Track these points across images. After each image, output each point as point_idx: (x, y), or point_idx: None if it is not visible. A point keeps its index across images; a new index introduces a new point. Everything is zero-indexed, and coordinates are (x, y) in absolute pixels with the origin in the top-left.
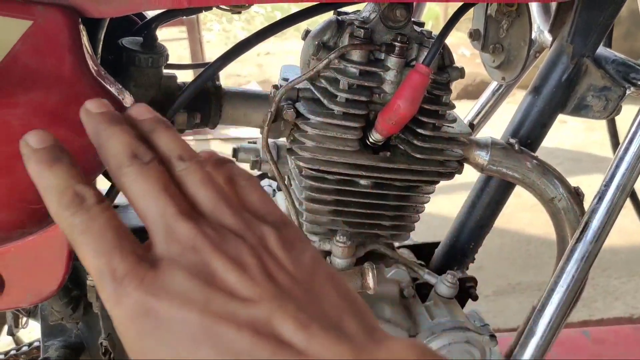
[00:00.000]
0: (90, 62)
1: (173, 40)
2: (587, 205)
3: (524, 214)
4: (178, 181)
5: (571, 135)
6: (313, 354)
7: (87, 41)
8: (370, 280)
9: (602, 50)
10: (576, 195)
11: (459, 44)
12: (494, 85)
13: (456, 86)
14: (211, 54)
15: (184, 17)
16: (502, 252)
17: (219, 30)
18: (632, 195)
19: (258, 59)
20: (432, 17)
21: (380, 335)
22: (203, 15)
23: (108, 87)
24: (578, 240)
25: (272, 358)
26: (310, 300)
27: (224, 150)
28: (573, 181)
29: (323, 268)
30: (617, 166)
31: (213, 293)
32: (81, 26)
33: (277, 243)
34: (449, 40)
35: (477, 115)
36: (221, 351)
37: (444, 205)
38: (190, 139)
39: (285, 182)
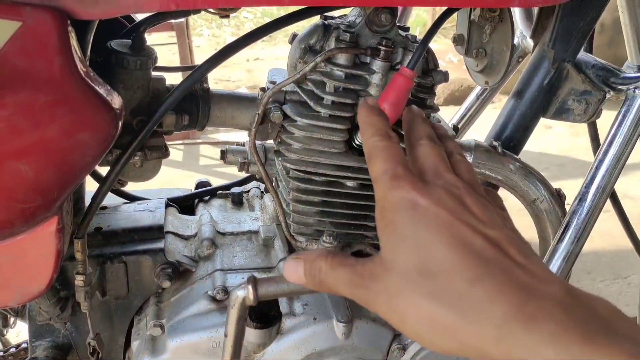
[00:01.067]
0: (78, 64)
1: (162, 45)
2: (568, 208)
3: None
4: (452, 164)
5: (557, 141)
6: (530, 270)
7: (76, 43)
8: None
9: (582, 55)
10: (558, 197)
11: (447, 50)
12: (478, 89)
13: (443, 91)
14: (200, 59)
15: (173, 20)
16: None
17: (208, 36)
18: (614, 197)
19: (248, 64)
20: (420, 23)
21: None
22: (193, 20)
23: (97, 88)
24: (559, 240)
25: (496, 258)
26: (529, 251)
27: (213, 154)
28: (559, 185)
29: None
30: (597, 168)
31: (462, 209)
32: (70, 28)
33: (511, 223)
34: (437, 47)
35: (461, 118)
36: (457, 240)
37: None
38: (179, 143)
39: (273, 183)
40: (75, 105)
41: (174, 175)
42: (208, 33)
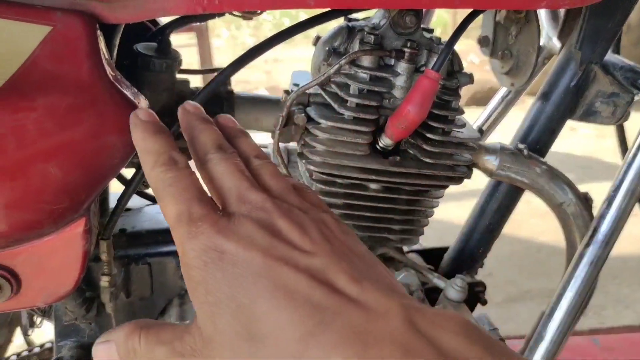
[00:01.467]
0: (107, 67)
1: (182, 47)
2: (596, 211)
3: (534, 220)
4: (253, 173)
5: (582, 143)
6: (365, 303)
7: (104, 46)
8: None
9: (610, 56)
10: (585, 200)
11: (468, 50)
12: (502, 91)
13: (465, 93)
14: (220, 60)
15: (196, 23)
16: (512, 259)
17: (227, 37)
18: None
19: (266, 66)
20: (440, 24)
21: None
22: (212, 22)
23: (124, 91)
24: (587, 245)
25: (326, 298)
26: (362, 265)
27: None
28: (584, 188)
29: (371, 254)
30: (626, 172)
31: (276, 242)
32: (99, 32)
33: (334, 225)
34: (458, 47)
35: (486, 121)
36: (279, 287)
37: (453, 211)
38: None
39: None
40: (104, 108)
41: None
42: (227, 34)
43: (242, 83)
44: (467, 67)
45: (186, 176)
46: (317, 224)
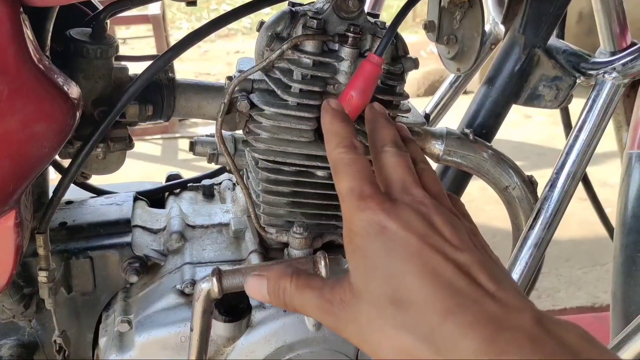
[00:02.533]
0: (33, 53)
1: (140, 38)
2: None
3: (489, 207)
4: (417, 174)
5: (537, 130)
6: (501, 299)
7: (30, 31)
8: (322, 268)
9: (553, 41)
10: (530, 183)
11: (428, 42)
12: (451, 77)
13: (424, 82)
14: None
15: (150, 13)
16: None
17: (188, 29)
18: (587, 184)
19: (228, 57)
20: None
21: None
22: (172, 14)
23: (52, 78)
24: (531, 227)
25: (468, 288)
26: (499, 272)
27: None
28: (539, 174)
29: (503, 266)
30: (568, 154)
31: (431, 232)
32: (23, 15)
33: (479, 234)
34: (417, 38)
35: (435, 107)
36: (427, 269)
37: None
38: (157, 137)
39: (243, 175)
40: (30, 95)
41: (153, 170)
42: (187, 26)
43: (203, 75)
44: (427, 58)
45: (363, 160)
46: (466, 228)
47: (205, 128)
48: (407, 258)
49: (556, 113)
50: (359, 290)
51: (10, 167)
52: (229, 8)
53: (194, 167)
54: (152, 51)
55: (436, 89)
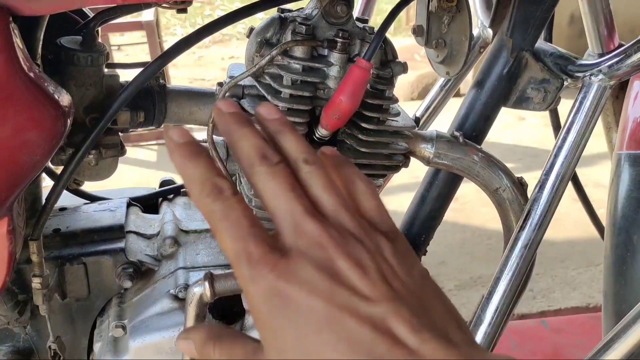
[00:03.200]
0: (22, 61)
1: (134, 45)
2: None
3: (484, 209)
4: (303, 182)
5: (530, 132)
6: (424, 356)
7: (19, 40)
8: None
9: (541, 43)
10: (520, 185)
11: (418, 47)
12: (441, 81)
13: (417, 86)
14: None
15: (143, 20)
16: (463, 247)
17: (182, 34)
18: (578, 185)
19: (222, 63)
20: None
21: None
22: (166, 20)
23: (43, 86)
24: (521, 228)
25: (389, 352)
26: (420, 309)
27: None
28: (532, 176)
29: (430, 282)
30: (556, 155)
31: (337, 287)
32: (12, 25)
33: (391, 253)
34: (410, 42)
35: (425, 110)
36: (342, 339)
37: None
38: (152, 143)
39: (235, 180)
40: (21, 104)
41: (148, 176)
42: (181, 32)
43: (198, 81)
44: (419, 62)
45: (234, 207)
46: (375, 259)
47: (200, 134)
48: (317, 330)
49: (549, 115)
50: None
51: (1, 175)
52: (222, 14)
53: None
54: (147, 58)
55: (428, 93)
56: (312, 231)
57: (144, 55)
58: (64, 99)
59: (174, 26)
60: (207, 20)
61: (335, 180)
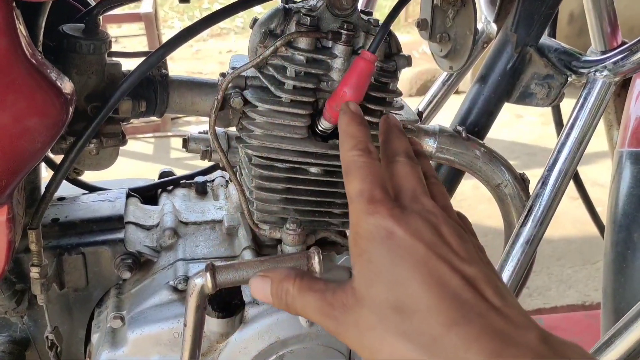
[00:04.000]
0: (25, 47)
1: (132, 36)
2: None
3: (482, 206)
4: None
5: (528, 130)
6: (507, 314)
7: (22, 26)
8: (315, 264)
9: (545, 39)
10: (522, 181)
11: (420, 41)
12: (444, 75)
13: (416, 82)
14: None
15: (142, 12)
16: None
17: (180, 27)
18: (579, 183)
19: (220, 57)
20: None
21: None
22: (164, 13)
23: (45, 72)
24: (523, 224)
25: (474, 300)
26: (504, 288)
27: None
28: (530, 174)
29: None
30: (559, 152)
31: (439, 241)
32: (16, 10)
33: (484, 251)
34: (410, 37)
35: (427, 105)
36: (434, 278)
37: None
38: (149, 135)
39: (237, 171)
40: (22, 90)
41: (144, 168)
42: (180, 25)
43: (196, 74)
44: (419, 58)
45: (376, 165)
46: (472, 242)
47: (197, 127)
48: (413, 266)
49: (547, 113)
50: (361, 295)
51: (2, 162)
52: (221, 6)
53: (186, 165)
54: (145, 49)
55: (428, 88)
56: (427, 204)
57: (141, 47)
58: (67, 86)
59: (172, 19)
60: (205, 13)
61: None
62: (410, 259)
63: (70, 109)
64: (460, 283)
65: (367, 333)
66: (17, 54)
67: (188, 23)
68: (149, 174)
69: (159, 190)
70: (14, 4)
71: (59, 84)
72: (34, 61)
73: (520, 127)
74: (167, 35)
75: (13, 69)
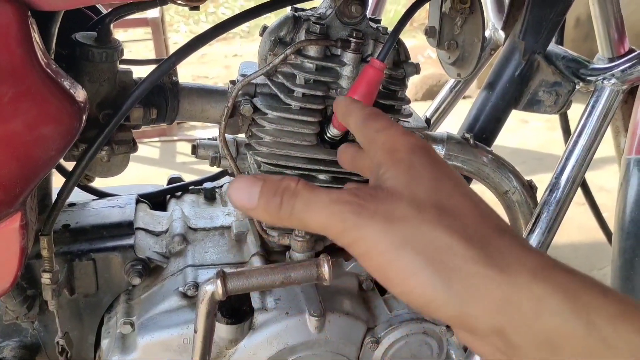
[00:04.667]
0: (40, 56)
1: (139, 41)
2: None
3: None
4: None
5: (534, 135)
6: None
7: (37, 35)
8: (325, 271)
9: (553, 47)
10: (529, 188)
11: (425, 46)
12: (451, 82)
13: (421, 87)
14: None
15: (148, 16)
16: None
17: (185, 32)
18: (586, 189)
19: (226, 61)
20: (397, 19)
21: None
22: (170, 17)
23: (59, 81)
24: (531, 231)
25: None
26: None
27: (190, 151)
28: (537, 179)
29: None
30: (567, 159)
31: None
32: (31, 19)
33: None
34: (415, 42)
35: (435, 111)
36: (475, 195)
37: None
38: (155, 140)
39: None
40: (37, 98)
41: (151, 173)
42: (185, 29)
43: (201, 78)
44: (424, 62)
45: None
46: None
47: (203, 131)
48: (453, 179)
49: (553, 118)
50: (398, 191)
51: (17, 169)
52: (227, 11)
53: (192, 170)
54: (150, 54)
55: (434, 94)
56: None
57: (147, 52)
58: (80, 94)
59: (178, 23)
60: (210, 18)
61: None
62: (450, 173)
63: (84, 116)
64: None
65: (399, 223)
66: (33, 63)
67: (194, 27)
68: (155, 178)
69: (168, 196)
70: (29, 13)
71: (73, 92)
72: (49, 70)
73: (525, 132)
74: (172, 39)
75: (29, 78)
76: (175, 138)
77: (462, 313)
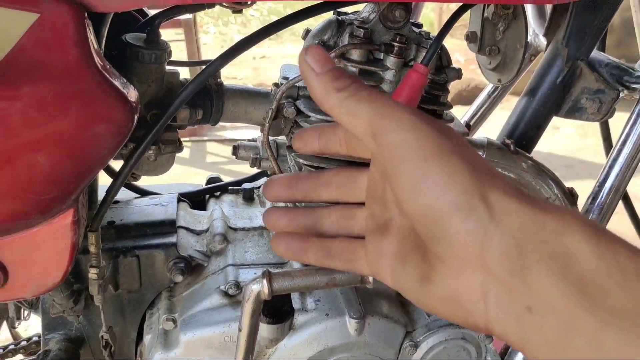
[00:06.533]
0: (95, 57)
1: (170, 42)
2: (581, 207)
3: None
4: None
5: (565, 142)
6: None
7: (92, 36)
8: (370, 278)
9: (596, 53)
10: (570, 196)
11: (454, 50)
12: (489, 87)
13: (450, 91)
14: (207, 56)
15: (182, 17)
16: None
17: (215, 33)
18: (626, 198)
19: (254, 62)
20: (426, 22)
21: None
22: (199, 18)
23: (113, 81)
24: None
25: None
26: None
27: (220, 151)
28: (568, 186)
29: None
30: (611, 167)
31: None
32: (87, 20)
33: None
34: (445, 44)
35: (473, 116)
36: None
37: None
38: (186, 140)
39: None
40: (92, 98)
41: (182, 172)
42: (215, 30)
43: (230, 79)
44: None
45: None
46: None
47: (233, 132)
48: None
49: (585, 125)
50: None
51: (71, 167)
52: (256, 13)
53: (221, 169)
54: (181, 55)
55: (463, 98)
56: None
57: (177, 52)
58: (132, 94)
59: (207, 24)
60: (239, 19)
61: None
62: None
63: (136, 116)
64: None
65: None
66: (89, 63)
67: (223, 28)
68: (186, 177)
69: (207, 195)
70: (86, 15)
71: (126, 93)
72: (103, 71)
73: (557, 138)
74: (202, 40)
75: (84, 77)
76: (205, 138)
77: None
